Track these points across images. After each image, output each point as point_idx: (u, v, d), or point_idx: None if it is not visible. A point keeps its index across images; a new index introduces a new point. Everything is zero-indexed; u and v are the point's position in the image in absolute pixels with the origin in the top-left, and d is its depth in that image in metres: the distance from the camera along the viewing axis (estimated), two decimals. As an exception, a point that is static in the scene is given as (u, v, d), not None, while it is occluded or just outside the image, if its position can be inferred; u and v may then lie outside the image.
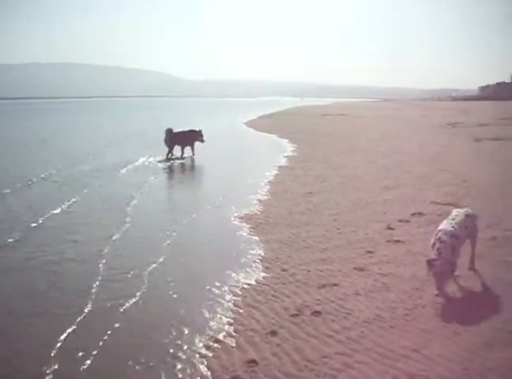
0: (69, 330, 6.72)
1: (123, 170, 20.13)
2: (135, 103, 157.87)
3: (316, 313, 7.05)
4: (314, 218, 12.22)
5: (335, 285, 8.01)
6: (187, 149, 25.07)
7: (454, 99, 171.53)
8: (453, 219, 8.03)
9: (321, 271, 8.66)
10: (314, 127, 41.63)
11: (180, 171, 21.19)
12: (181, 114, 67.69)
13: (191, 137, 25.18)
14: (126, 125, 50.14)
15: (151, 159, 23.40)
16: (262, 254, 9.70)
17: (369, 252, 9.56)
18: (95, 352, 6.18)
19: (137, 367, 5.87)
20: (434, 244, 7.64)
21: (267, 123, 47.81)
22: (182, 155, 24.58)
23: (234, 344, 6.34)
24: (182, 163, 22.99)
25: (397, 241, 10.19)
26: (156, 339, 6.49)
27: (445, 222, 8.03)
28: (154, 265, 9.06)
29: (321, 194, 14.89)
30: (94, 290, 8.01)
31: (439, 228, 7.84)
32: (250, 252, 9.86)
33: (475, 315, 6.80)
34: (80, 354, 6.14)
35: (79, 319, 7.05)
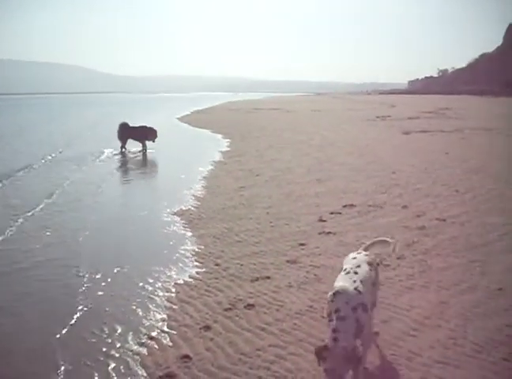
0: None
1: (85, 167, 20.17)
2: (68, 100, 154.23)
3: (249, 306, 7.09)
4: (246, 212, 12.28)
5: (268, 278, 8.08)
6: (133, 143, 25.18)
7: (382, 92, 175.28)
8: (355, 273, 5.15)
9: (254, 264, 8.71)
10: (247, 121, 41.73)
11: (124, 167, 20.92)
12: (112, 112, 66.42)
13: (145, 133, 25.16)
14: (77, 121, 48.97)
15: (107, 153, 24.07)
16: (195, 249, 9.67)
17: (301, 244, 9.69)
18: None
19: (70, 367, 5.76)
20: (329, 314, 4.76)
21: (201, 118, 47.61)
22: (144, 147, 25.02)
23: (167, 340, 6.31)
24: (127, 159, 23.03)
25: (329, 232, 10.36)
26: (88, 338, 6.38)
27: (343, 276, 5.18)
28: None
29: (254, 188, 14.98)
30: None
31: (336, 288, 4.89)
32: (183, 247, 9.81)
33: (401, 303, 7.00)
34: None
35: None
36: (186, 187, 15.45)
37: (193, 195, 14.39)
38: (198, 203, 13.44)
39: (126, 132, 25.03)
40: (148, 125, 25.50)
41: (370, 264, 5.45)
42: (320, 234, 10.33)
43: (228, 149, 24.49)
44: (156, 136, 25.11)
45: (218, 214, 12.22)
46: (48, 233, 10.85)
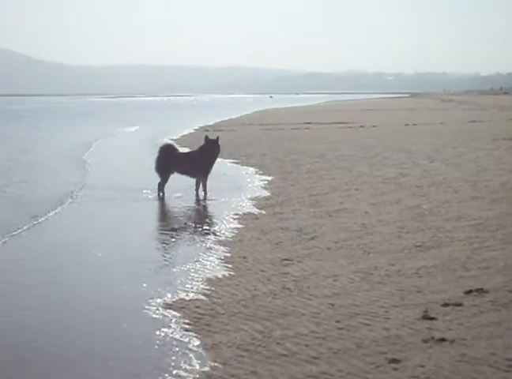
0: None
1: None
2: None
3: None
4: (295, 303, 12.04)
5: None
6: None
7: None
8: None
9: (313, 398, 8.47)
10: (292, 146, 41.99)
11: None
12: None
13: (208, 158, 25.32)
14: None
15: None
16: (205, 371, 9.36)
17: (393, 361, 9.32)
18: None
19: None
20: None
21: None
22: (199, 190, 24.94)
23: None
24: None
25: (442, 339, 9.98)
26: None
27: None
28: None
29: (307, 261, 14.77)
30: None
31: None
32: (185, 367, 9.53)
33: None
34: None
35: None
36: (192, 259, 15.41)
37: (203, 273, 14.28)
38: (211, 288, 13.27)
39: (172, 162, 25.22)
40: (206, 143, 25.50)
41: None
42: (426, 341, 9.97)
43: (264, 192, 24.72)
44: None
45: (245, 307, 11.99)
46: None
